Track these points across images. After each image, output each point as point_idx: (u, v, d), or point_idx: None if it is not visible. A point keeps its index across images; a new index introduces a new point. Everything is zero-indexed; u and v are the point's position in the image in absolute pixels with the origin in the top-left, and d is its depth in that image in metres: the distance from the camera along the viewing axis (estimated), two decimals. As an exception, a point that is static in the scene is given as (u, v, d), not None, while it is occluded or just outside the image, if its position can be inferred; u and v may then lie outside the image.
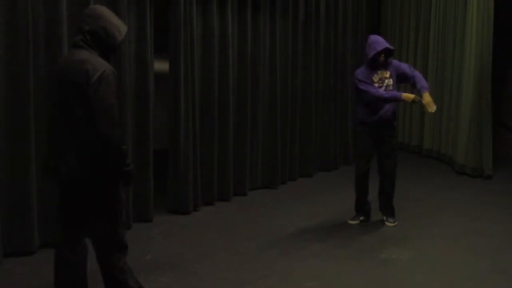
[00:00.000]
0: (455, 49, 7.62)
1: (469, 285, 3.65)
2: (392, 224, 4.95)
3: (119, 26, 2.87)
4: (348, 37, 7.70)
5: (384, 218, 5.03)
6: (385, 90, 4.78)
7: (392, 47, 4.84)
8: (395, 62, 4.96)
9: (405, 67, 4.92)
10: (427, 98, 4.64)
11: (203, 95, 5.55)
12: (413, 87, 4.89)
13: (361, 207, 5.08)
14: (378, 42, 4.78)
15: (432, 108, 4.65)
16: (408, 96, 4.67)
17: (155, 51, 5.03)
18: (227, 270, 3.86)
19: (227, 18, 5.64)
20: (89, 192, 2.80)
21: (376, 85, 4.81)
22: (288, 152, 6.71)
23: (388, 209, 5.04)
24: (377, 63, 4.80)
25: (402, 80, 4.94)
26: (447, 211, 5.50)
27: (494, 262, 4.06)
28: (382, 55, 4.78)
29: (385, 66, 4.85)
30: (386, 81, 4.83)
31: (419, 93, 4.74)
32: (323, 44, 7.20)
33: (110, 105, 2.67)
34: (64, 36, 4.14)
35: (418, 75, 4.83)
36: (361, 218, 5.06)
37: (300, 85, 6.84)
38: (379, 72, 4.83)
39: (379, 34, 9.49)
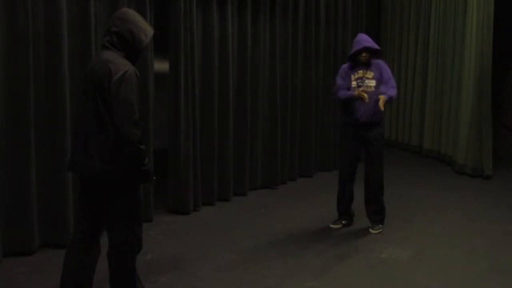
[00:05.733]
0: (455, 49, 7.62)
1: (469, 285, 3.65)
2: (374, 232, 4.74)
3: (146, 30, 2.94)
4: (348, 37, 7.70)
5: (370, 224, 4.84)
6: (363, 90, 4.57)
7: (375, 47, 4.65)
8: (381, 64, 4.73)
9: (387, 78, 4.64)
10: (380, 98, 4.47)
11: (203, 95, 5.55)
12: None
13: (343, 211, 4.93)
14: (359, 41, 4.66)
15: (364, 97, 4.44)
16: (362, 94, 4.47)
17: (155, 51, 5.03)
18: (227, 270, 3.86)
19: (227, 18, 5.64)
20: (110, 189, 2.84)
21: (354, 83, 4.67)
22: (288, 152, 6.71)
23: (372, 216, 4.83)
24: (359, 62, 4.66)
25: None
26: (447, 211, 5.50)
27: (494, 262, 4.06)
28: (364, 54, 4.62)
29: (368, 65, 4.68)
30: (367, 81, 4.64)
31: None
32: (323, 44, 7.20)
33: (130, 105, 2.72)
34: (64, 36, 4.14)
35: (392, 88, 4.60)
36: (343, 222, 4.93)
37: (300, 85, 6.84)
38: (359, 71, 4.68)
39: (378, 34, 9.56)
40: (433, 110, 8.31)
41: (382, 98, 4.46)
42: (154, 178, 2.97)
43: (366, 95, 4.47)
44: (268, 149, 6.42)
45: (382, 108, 4.45)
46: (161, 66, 6.30)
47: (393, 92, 4.61)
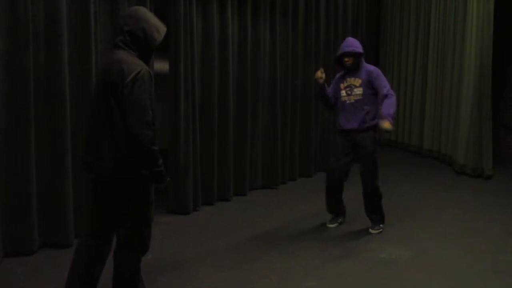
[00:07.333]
0: (455, 49, 7.62)
1: (469, 285, 3.65)
2: (374, 231, 4.73)
3: (159, 27, 2.94)
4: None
5: (370, 224, 4.82)
6: (353, 99, 4.58)
7: (356, 50, 4.54)
8: (370, 68, 4.62)
9: (380, 83, 4.53)
10: (382, 124, 4.41)
11: (203, 95, 5.55)
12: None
13: (335, 211, 4.93)
14: (341, 46, 4.64)
15: (384, 125, 4.39)
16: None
17: (155, 51, 5.02)
18: (227, 270, 3.86)
19: (227, 18, 5.64)
20: (120, 189, 2.84)
21: (343, 92, 4.65)
22: (288, 152, 6.71)
23: (370, 216, 4.81)
24: (346, 67, 4.63)
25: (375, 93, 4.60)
26: (447, 211, 5.50)
27: (494, 262, 4.06)
28: (346, 59, 4.58)
29: (356, 72, 4.62)
30: (355, 89, 4.59)
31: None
32: (323, 44, 7.20)
33: (143, 105, 2.70)
34: (64, 36, 4.14)
35: (387, 101, 4.47)
36: (339, 220, 4.94)
37: (300, 85, 6.84)
38: (348, 79, 4.65)
39: (378, 34, 9.56)
40: (433, 110, 8.31)
41: (386, 124, 4.35)
42: (168, 179, 2.94)
43: (321, 76, 4.58)
44: (268, 149, 6.42)
45: (390, 127, 4.36)
46: (161, 66, 6.30)
47: (391, 108, 4.45)
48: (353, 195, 5.22)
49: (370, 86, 4.59)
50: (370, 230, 4.76)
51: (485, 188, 6.55)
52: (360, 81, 4.61)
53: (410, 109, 8.95)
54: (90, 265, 2.94)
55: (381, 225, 4.80)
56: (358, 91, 4.60)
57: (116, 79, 2.71)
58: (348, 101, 4.65)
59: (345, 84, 4.67)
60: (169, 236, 4.63)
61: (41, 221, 4.16)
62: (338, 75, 4.81)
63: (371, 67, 4.67)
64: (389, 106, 4.45)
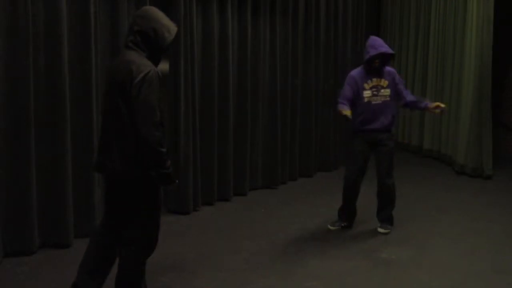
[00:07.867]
0: (455, 49, 7.62)
1: (469, 285, 3.66)
2: (383, 231, 4.72)
3: (169, 27, 2.94)
4: (348, 37, 7.70)
5: (379, 224, 4.82)
6: (380, 100, 4.59)
7: (390, 51, 4.57)
8: (392, 71, 4.71)
9: (402, 87, 4.74)
10: (438, 109, 4.67)
11: (203, 95, 5.55)
12: (410, 107, 4.92)
13: (344, 214, 4.88)
14: (374, 45, 4.56)
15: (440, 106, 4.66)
16: (340, 111, 4.45)
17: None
18: (227, 270, 3.86)
19: (227, 18, 5.64)
20: (129, 189, 2.85)
21: (369, 92, 4.59)
22: (288, 152, 6.70)
23: (381, 215, 4.81)
24: (373, 68, 4.59)
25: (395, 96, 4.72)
26: (447, 211, 5.50)
27: (494, 262, 4.06)
28: (377, 61, 4.54)
29: (380, 73, 4.61)
30: (383, 90, 4.60)
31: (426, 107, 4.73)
32: (323, 44, 7.20)
33: (151, 106, 2.70)
34: (64, 36, 4.14)
35: (413, 99, 4.82)
36: (342, 224, 4.88)
37: (300, 85, 6.84)
38: (374, 79, 4.61)
39: (378, 34, 9.54)
40: (433, 110, 8.30)
41: (436, 106, 4.63)
42: (176, 181, 2.93)
43: (349, 115, 4.38)
44: (268, 149, 6.42)
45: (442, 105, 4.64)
46: (161, 66, 6.29)
47: (418, 100, 4.86)
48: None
49: (394, 88, 4.67)
50: (379, 229, 4.74)
51: (485, 188, 6.55)
52: (386, 82, 4.63)
53: (410, 110, 8.95)
54: (98, 261, 2.96)
55: (389, 226, 4.78)
56: (386, 92, 4.62)
57: (125, 80, 2.72)
58: (373, 102, 4.61)
59: (371, 84, 4.62)
60: (169, 236, 4.63)
61: (41, 221, 4.16)
62: (356, 74, 4.68)
63: (389, 69, 4.72)
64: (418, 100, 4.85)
